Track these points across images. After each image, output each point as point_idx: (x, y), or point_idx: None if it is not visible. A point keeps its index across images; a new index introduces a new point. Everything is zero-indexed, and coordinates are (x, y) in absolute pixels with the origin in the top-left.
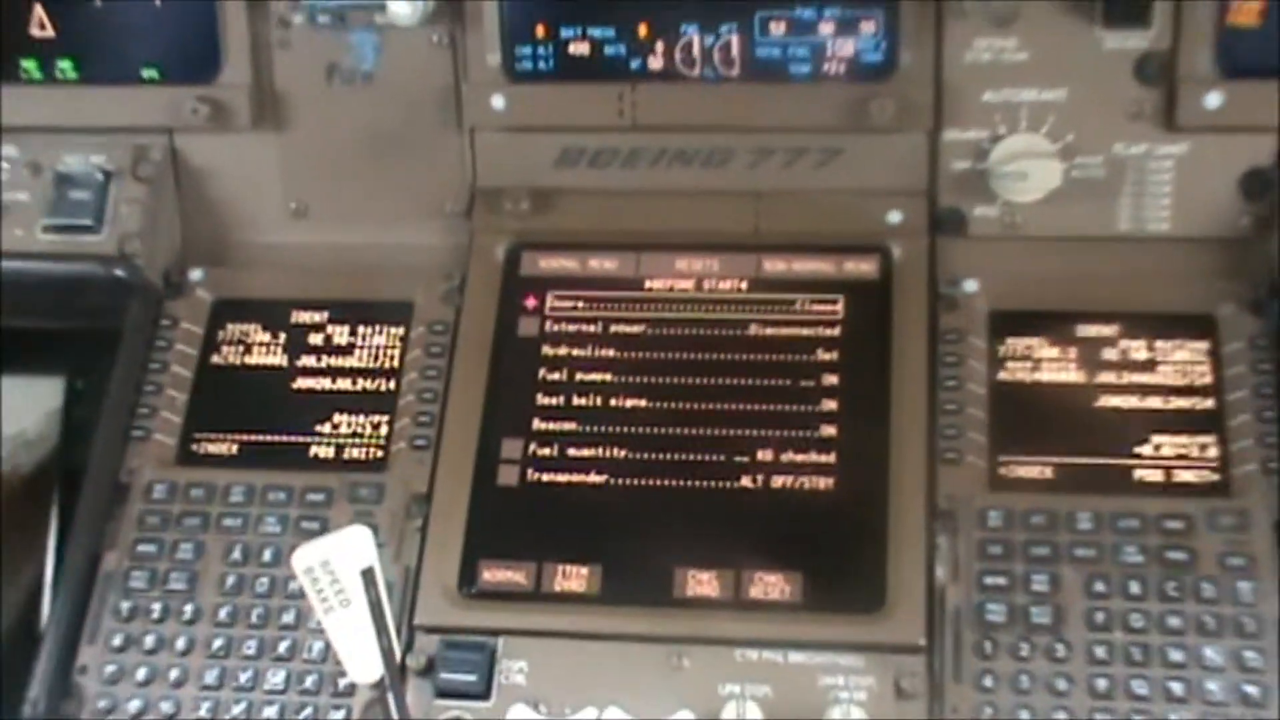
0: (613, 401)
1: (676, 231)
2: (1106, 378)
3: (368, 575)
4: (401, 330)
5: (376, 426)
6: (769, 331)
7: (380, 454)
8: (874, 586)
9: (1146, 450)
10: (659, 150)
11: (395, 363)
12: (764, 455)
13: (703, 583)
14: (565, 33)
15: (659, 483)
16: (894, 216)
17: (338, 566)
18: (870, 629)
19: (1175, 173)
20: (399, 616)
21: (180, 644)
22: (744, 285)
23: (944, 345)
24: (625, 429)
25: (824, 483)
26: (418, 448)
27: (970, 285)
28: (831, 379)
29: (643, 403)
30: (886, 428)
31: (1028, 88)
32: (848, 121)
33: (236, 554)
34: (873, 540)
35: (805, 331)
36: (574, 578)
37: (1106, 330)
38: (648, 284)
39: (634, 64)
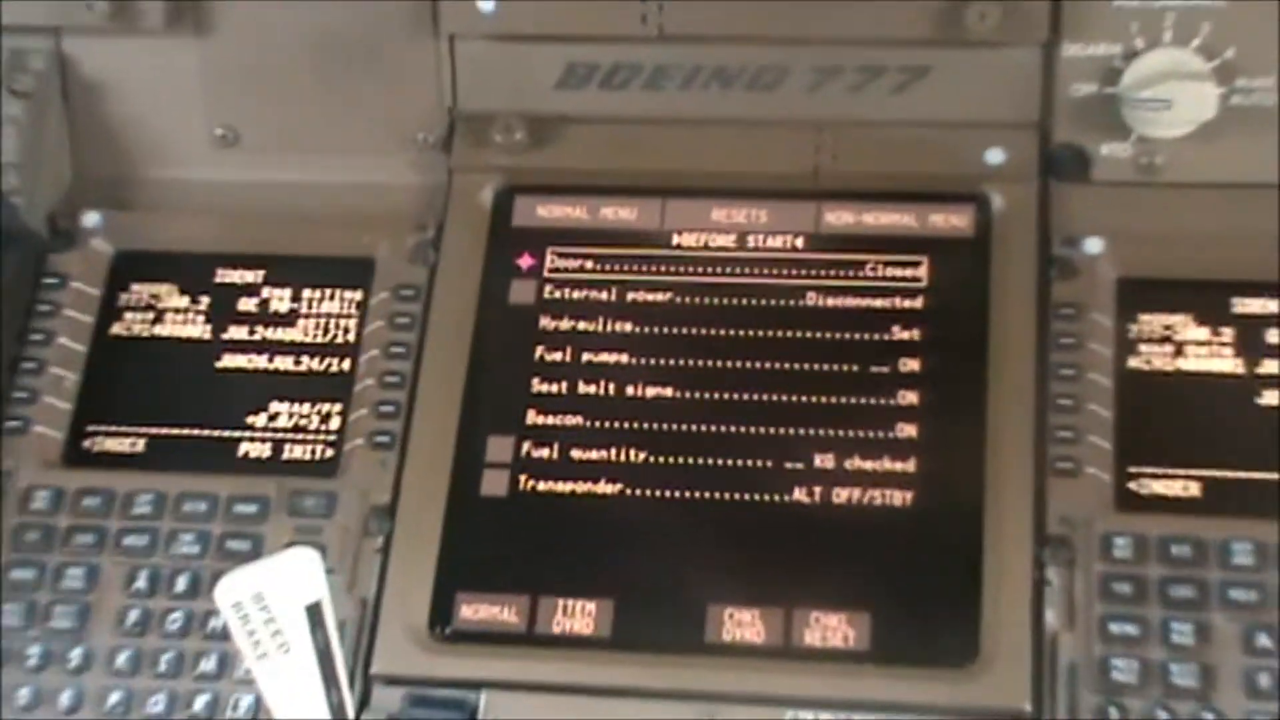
0: (629, 390)
1: (713, 173)
2: (1270, 367)
3: (313, 611)
4: (359, 295)
5: (326, 418)
6: (831, 303)
7: (330, 454)
8: (964, 633)
9: None
10: (692, 68)
11: (350, 337)
12: (823, 461)
13: (744, 624)
14: None
15: (688, 495)
16: (995, 155)
17: (274, 600)
18: (959, 688)
19: None
20: (352, 663)
21: (65, 700)
22: (799, 243)
23: (1058, 322)
24: (645, 425)
25: (900, 498)
26: (379, 446)
27: (1093, 245)
28: (911, 364)
29: (668, 392)
30: (982, 428)
31: None
32: (937, 32)
33: (141, 582)
34: (963, 573)
35: (878, 303)
36: (579, 615)
37: (1271, 305)
38: (676, 240)
39: None
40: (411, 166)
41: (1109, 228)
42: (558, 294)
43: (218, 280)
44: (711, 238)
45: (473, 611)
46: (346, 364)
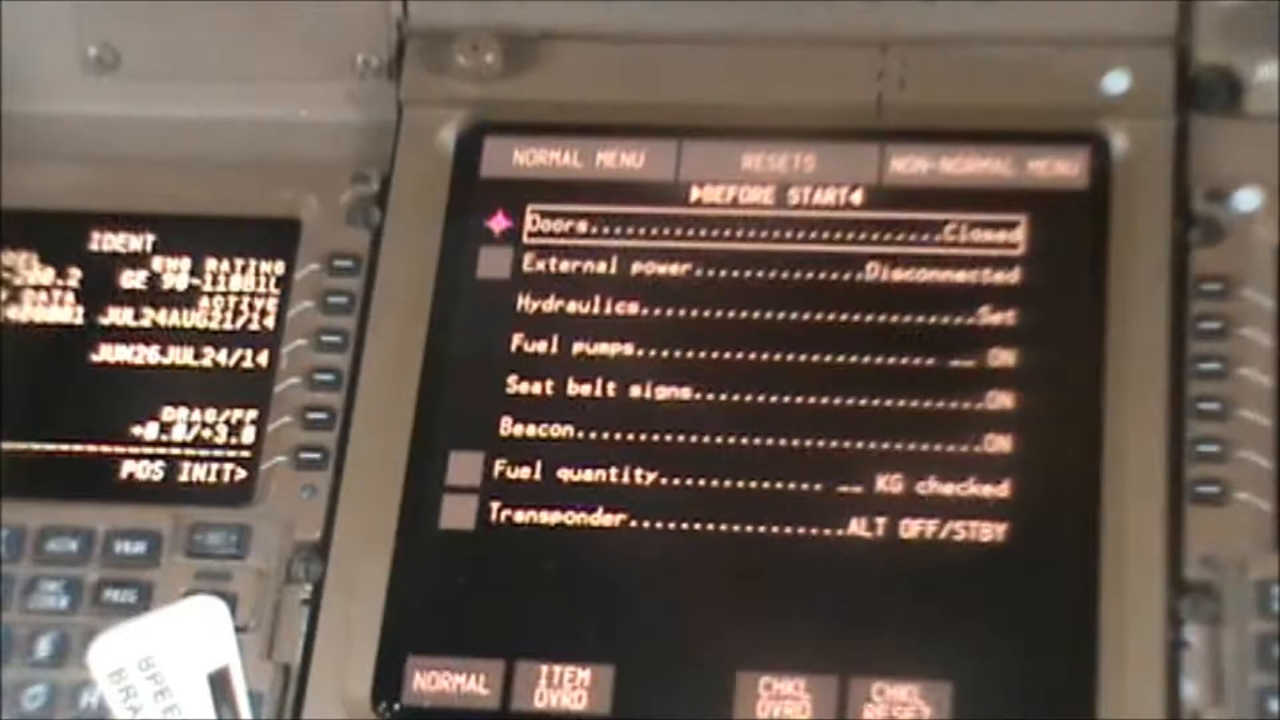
0: (634, 391)
1: (744, 107)
2: None
3: (218, 681)
4: (279, 267)
5: (236, 429)
6: (898, 277)
7: (242, 475)
8: (1076, 711)
9: None
10: None
11: (269, 322)
12: (887, 484)
13: (784, 698)
14: None
15: (710, 529)
16: (1116, 82)
17: (167, 666)
18: None
19: None
20: None
21: None
22: (857, 198)
23: (1200, 301)
24: (655, 437)
25: (990, 532)
26: (306, 465)
27: (1247, 199)
28: (1004, 357)
29: (684, 394)
30: (1097, 441)
31: None
32: None
33: None
34: (1074, 632)
35: (961, 278)
36: (568, 686)
37: None
38: (694, 195)
39: None
40: (348, 98)
41: (1267, 176)
42: (540, 266)
43: (92, 247)
44: (742, 192)
45: (429, 681)
46: (264, 358)
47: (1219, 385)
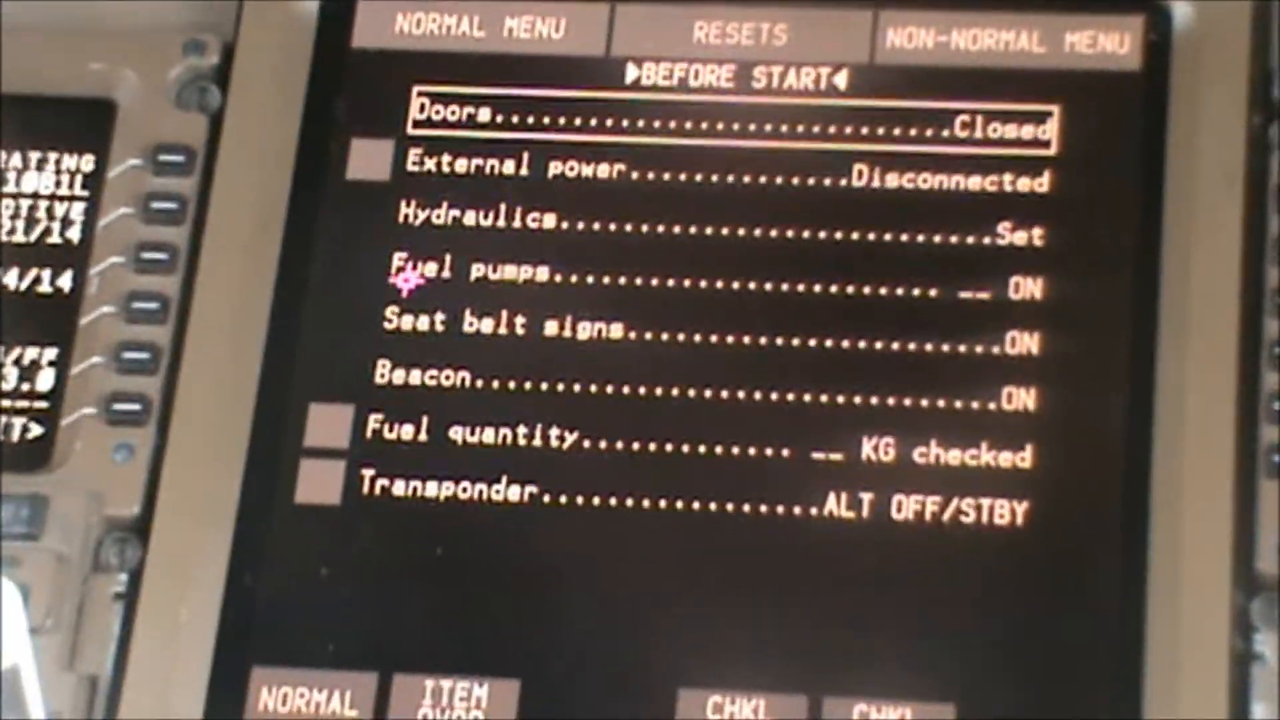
0: (549, 328)
1: None
2: None
3: (5, 684)
4: (87, 162)
5: (29, 372)
6: (893, 183)
7: (38, 432)
8: None
9: None
10: None
11: (73, 234)
12: (876, 450)
13: None
14: None
15: (647, 505)
16: None
17: None
18: None
19: None
20: None
21: None
22: (842, 80)
23: None
24: (576, 387)
25: (1008, 512)
26: (120, 420)
27: None
28: (1030, 287)
29: (615, 331)
30: (1148, 397)
31: None
32: None
33: None
34: (1113, 637)
35: (974, 183)
36: (461, 706)
37: None
38: (631, 74)
39: None
40: None
41: None
42: (429, 164)
43: None
44: (692, 72)
45: (278, 700)
46: (66, 280)
47: None
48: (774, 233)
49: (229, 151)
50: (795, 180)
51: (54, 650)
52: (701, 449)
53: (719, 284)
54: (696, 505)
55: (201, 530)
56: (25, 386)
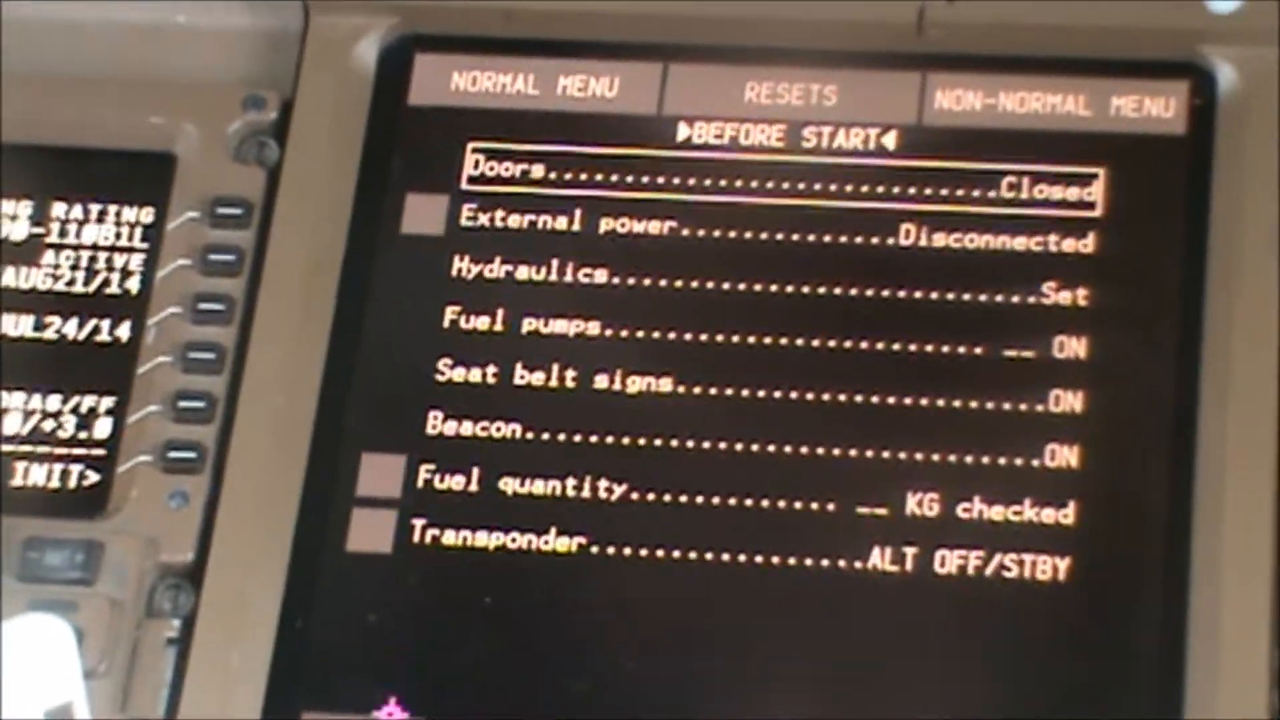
0: (599, 381)
1: (747, 21)
2: None
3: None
4: (147, 214)
5: (87, 420)
6: (940, 242)
7: (93, 480)
8: None
9: None
10: None
11: (132, 285)
12: (920, 505)
13: None
14: None
15: (693, 557)
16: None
17: None
18: None
19: None
20: None
21: None
22: (891, 141)
23: None
24: (625, 439)
25: (1049, 568)
26: (176, 468)
27: None
28: (1074, 346)
29: (664, 385)
30: (1189, 455)
31: None
32: None
33: None
34: (1154, 695)
35: (1020, 243)
36: None
37: None
38: (683, 133)
39: None
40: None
41: None
42: (483, 219)
43: None
44: (743, 131)
45: None
46: (125, 330)
47: None
48: (822, 290)
49: (286, 205)
50: (843, 239)
51: (107, 694)
52: (749, 502)
53: (766, 340)
54: (743, 558)
55: (254, 577)
56: (83, 434)
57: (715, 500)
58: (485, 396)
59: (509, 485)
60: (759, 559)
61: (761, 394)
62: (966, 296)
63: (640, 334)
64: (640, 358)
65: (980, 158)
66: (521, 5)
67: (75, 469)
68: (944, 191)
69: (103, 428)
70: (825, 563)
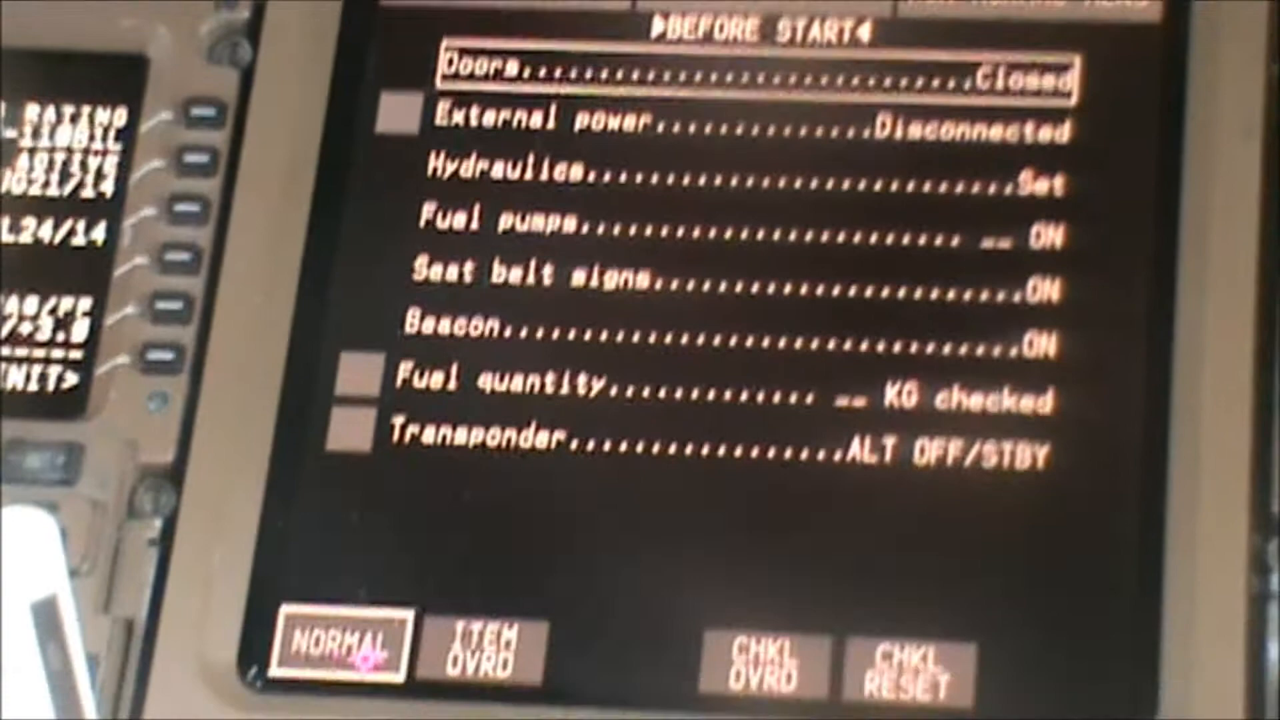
0: (577, 277)
1: None
2: None
3: (44, 612)
4: (119, 115)
5: (64, 322)
6: (915, 133)
7: (72, 381)
8: (1133, 677)
9: None
10: None
11: (106, 186)
12: (899, 396)
13: (765, 662)
14: None
15: (672, 450)
16: None
17: None
18: None
19: None
20: (111, 716)
21: None
22: (865, 32)
23: None
24: (603, 335)
25: (1028, 456)
26: (155, 369)
27: None
28: (1050, 235)
29: (642, 280)
30: (1167, 342)
31: None
32: None
33: None
34: (1131, 580)
35: (996, 133)
36: (490, 649)
37: None
38: (656, 26)
39: None
40: None
41: None
42: (458, 117)
43: None
44: (717, 25)
45: (311, 642)
46: (100, 232)
47: None
48: (798, 183)
49: (260, 105)
50: (819, 131)
51: (90, 594)
52: (726, 395)
53: (743, 233)
54: (721, 450)
55: (234, 477)
56: (60, 336)
57: (694, 394)
58: (463, 294)
59: (487, 382)
60: (737, 451)
61: (738, 288)
62: (942, 187)
63: (617, 230)
64: (617, 253)
65: (955, 48)
66: None
67: (54, 371)
68: (919, 83)
69: (80, 330)
70: (805, 454)
